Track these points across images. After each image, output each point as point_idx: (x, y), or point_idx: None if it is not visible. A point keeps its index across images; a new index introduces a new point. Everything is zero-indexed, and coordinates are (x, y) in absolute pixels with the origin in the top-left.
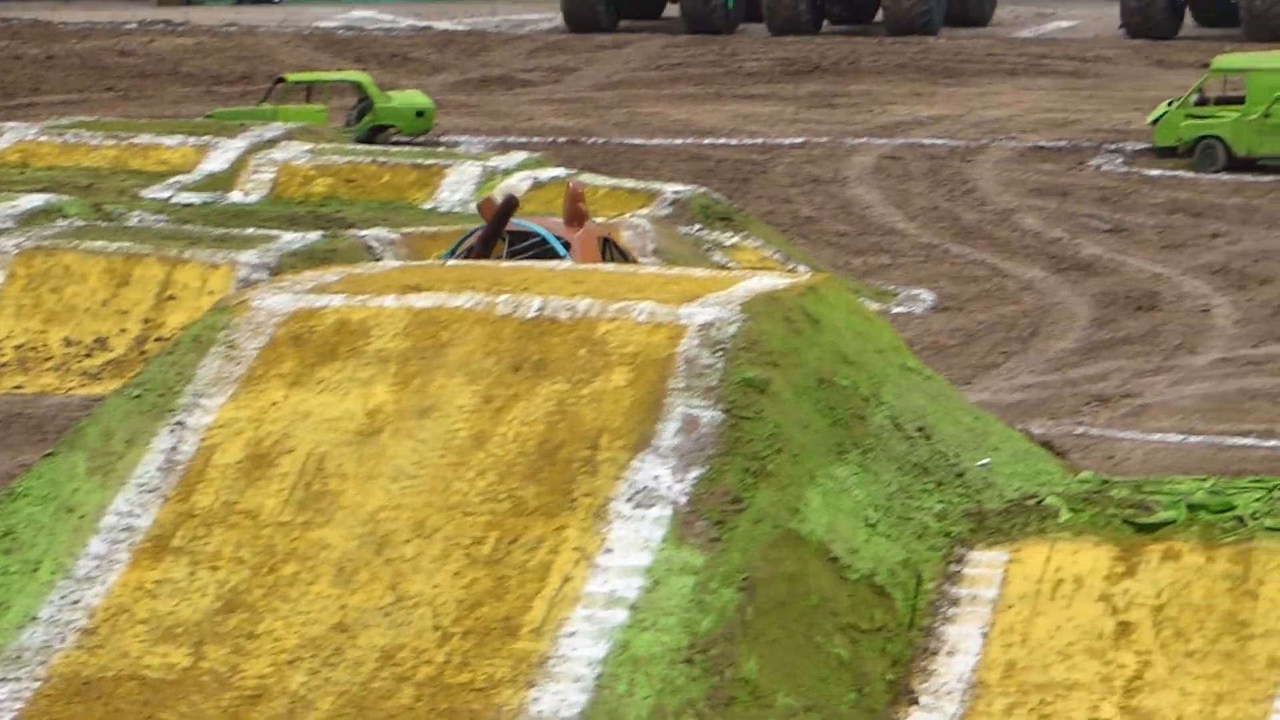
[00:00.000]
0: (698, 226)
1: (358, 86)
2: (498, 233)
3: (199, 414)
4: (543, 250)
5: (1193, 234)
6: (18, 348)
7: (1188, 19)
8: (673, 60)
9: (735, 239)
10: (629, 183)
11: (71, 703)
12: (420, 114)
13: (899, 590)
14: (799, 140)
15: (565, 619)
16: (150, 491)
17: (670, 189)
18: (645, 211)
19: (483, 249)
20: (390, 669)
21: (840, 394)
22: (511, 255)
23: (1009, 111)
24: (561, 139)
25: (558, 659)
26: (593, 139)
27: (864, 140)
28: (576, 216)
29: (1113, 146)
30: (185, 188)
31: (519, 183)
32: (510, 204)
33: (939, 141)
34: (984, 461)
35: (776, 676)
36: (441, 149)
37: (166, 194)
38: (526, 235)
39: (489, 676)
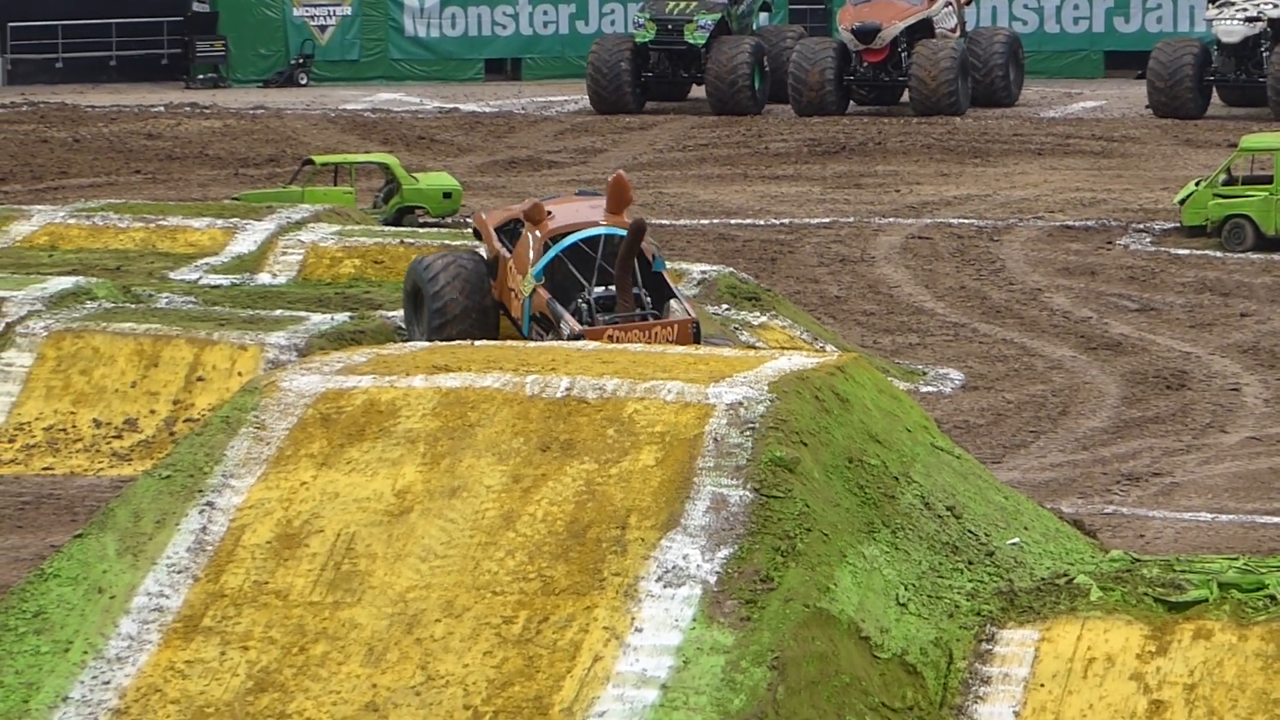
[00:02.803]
0: (725, 306)
1: (385, 168)
2: (632, 254)
3: (229, 494)
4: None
5: (1222, 313)
6: (47, 429)
7: (1214, 99)
8: (699, 141)
9: (763, 318)
10: None
11: None
12: (447, 195)
13: (930, 669)
14: (826, 220)
15: (596, 698)
16: (180, 572)
17: (697, 269)
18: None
19: (622, 271)
20: None
21: (870, 473)
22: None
23: (1036, 191)
24: None
25: None
26: None
27: (891, 220)
28: (625, 204)
29: (1141, 226)
30: (213, 269)
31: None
32: (640, 226)
33: (966, 221)
34: (1014, 540)
35: None
36: (469, 230)
37: (195, 276)
38: (594, 240)
39: None
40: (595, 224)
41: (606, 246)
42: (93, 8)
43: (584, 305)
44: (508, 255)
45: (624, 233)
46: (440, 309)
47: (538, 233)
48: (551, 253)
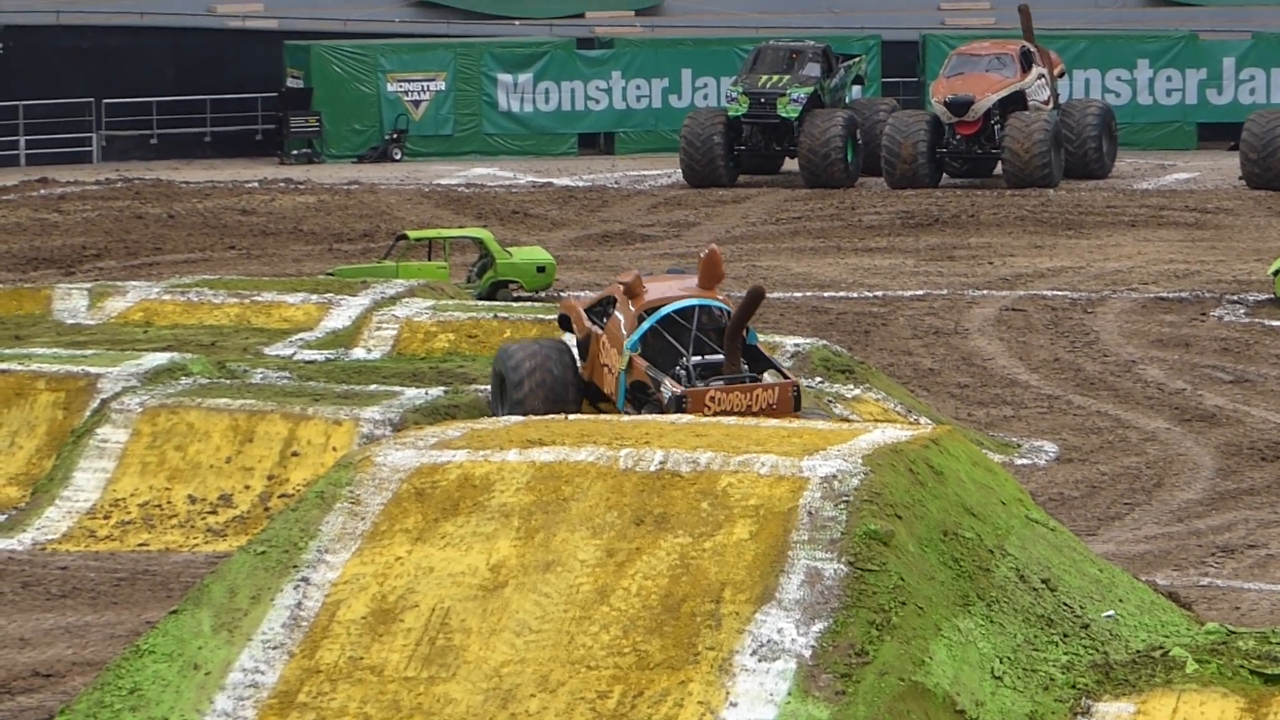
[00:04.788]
0: (819, 379)
1: (479, 243)
2: (747, 319)
3: (323, 570)
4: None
5: None
6: (143, 505)
7: None
8: (792, 214)
9: (856, 391)
10: None
11: None
12: (541, 270)
13: None
14: (919, 292)
15: None
16: (275, 648)
17: (791, 341)
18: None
19: (733, 336)
20: None
21: (964, 546)
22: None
23: (1130, 263)
24: None
25: None
26: None
27: (985, 292)
28: (717, 279)
29: (1234, 297)
30: (308, 345)
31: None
32: (759, 292)
33: (1060, 293)
34: (1109, 613)
35: None
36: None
37: (289, 351)
38: (688, 311)
39: None
40: (689, 296)
41: (700, 319)
42: (188, 84)
43: (683, 372)
44: (599, 332)
45: (718, 304)
46: (520, 400)
47: (632, 307)
48: (648, 323)
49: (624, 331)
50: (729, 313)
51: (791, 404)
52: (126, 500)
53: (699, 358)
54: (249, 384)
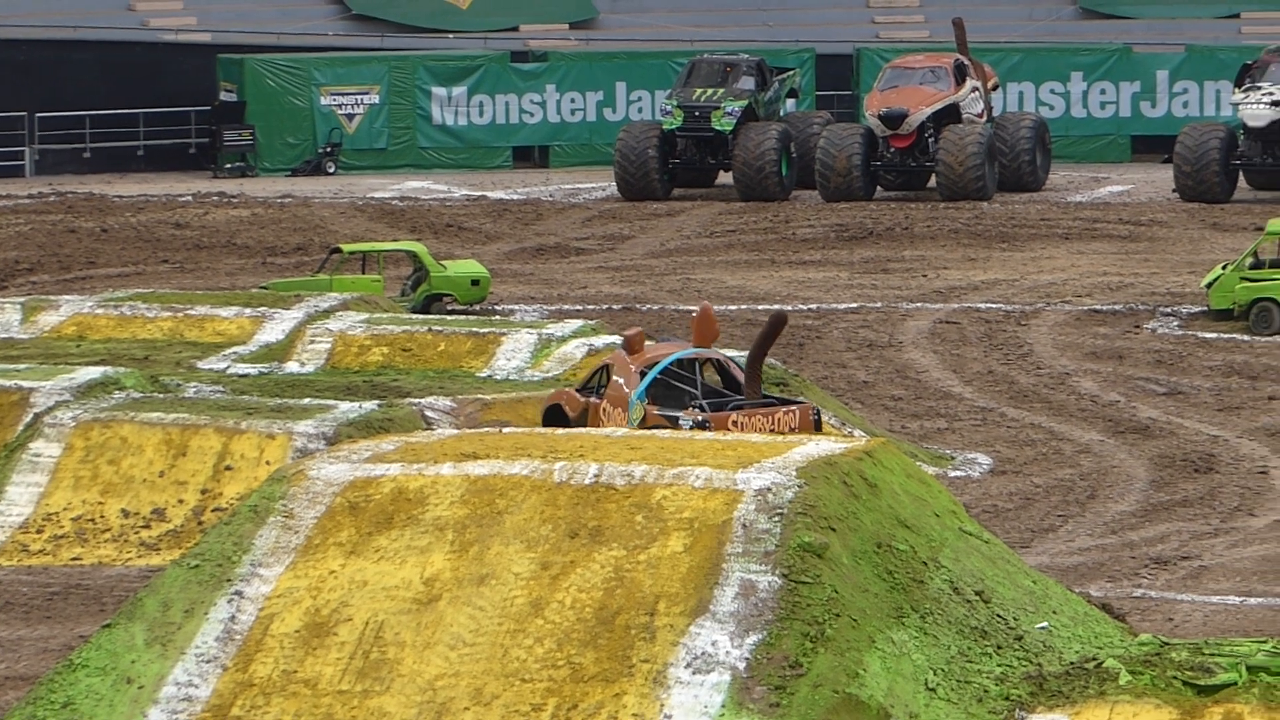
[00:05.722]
0: None
1: (413, 256)
2: (769, 345)
3: (257, 583)
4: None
5: (1249, 396)
6: (76, 519)
7: (1241, 182)
8: (726, 227)
9: None
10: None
11: None
12: (475, 283)
13: None
14: (854, 305)
15: None
16: (209, 661)
17: (724, 354)
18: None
19: (754, 362)
20: None
21: (898, 558)
22: (679, 380)
23: (1064, 276)
24: (616, 306)
25: None
26: (647, 306)
27: (919, 305)
28: (712, 337)
29: (1168, 310)
30: (241, 358)
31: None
32: (780, 320)
33: (994, 306)
34: (1043, 625)
35: None
36: (497, 318)
37: (223, 365)
38: (689, 363)
39: None
40: (688, 347)
41: (694, 370)
42: (120, 97)
43: (697, 408)
44: (597, 401)
45: (716, 354)
46: None
47: (632, 366)
48: (653, 373)
49: (627, 389)
50: (724, 364)
51: (813, 427)
52: (59, 514)
53: (705, 403)
54: (182, 398)
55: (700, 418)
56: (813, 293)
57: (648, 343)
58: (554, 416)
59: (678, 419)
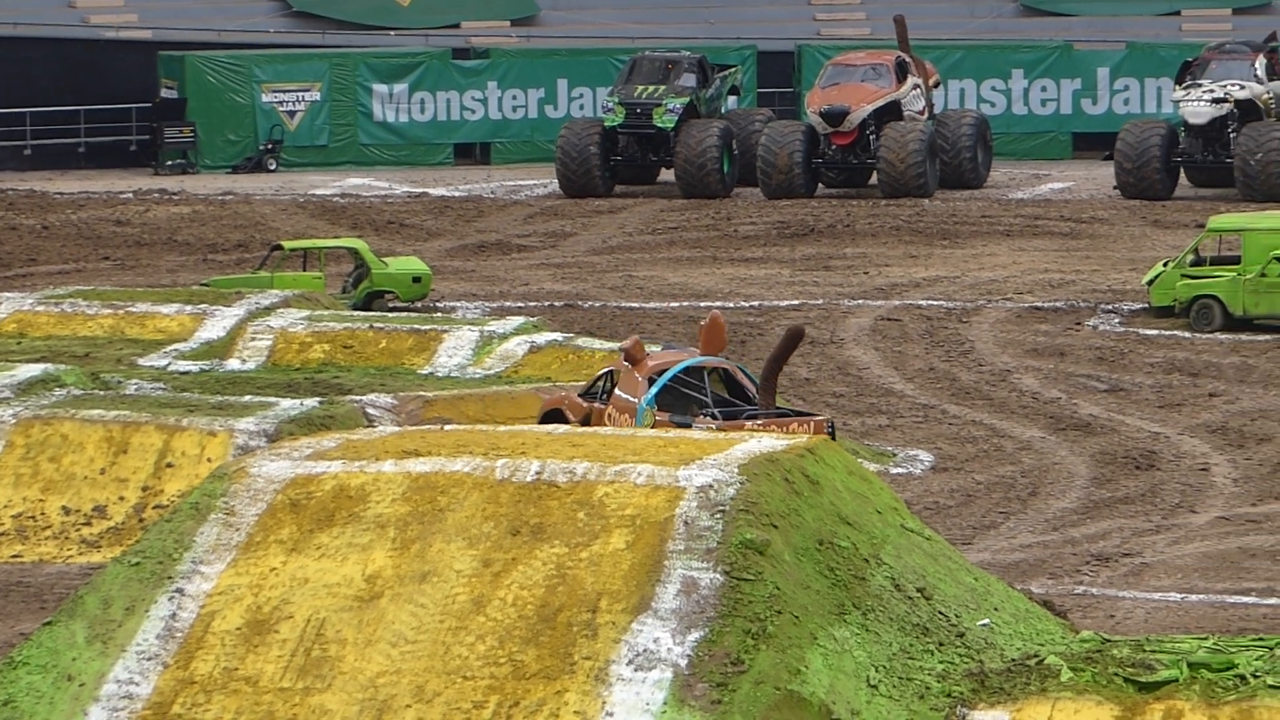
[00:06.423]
0: None
1: (354, 253)
2: (786, 357)
3: (198, 581)
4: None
5: (1190, 393)
6: (16, 516)
7: (1182, 180)
8: (668, 224)
9: None
10: None
11: None
12: (417, 280)
13: None
14: (795, 302)
15: None
16: (150, 659)
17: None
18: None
19: (770, 372)
20: None
21: (840, 555)
22: (688, 388)
23: (1005, 273)
24: (558, 303)
25: None
26: (589, 303)
27: (860, 302)
28: (720, 346)
29: (1109, 307)
30: (182, 355)
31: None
32: (797, 334)
33: (935, 303)
34: (985, 622)
35: None
36: (438, 315)
37: (164, 362)
38: (697, 371)
39: None
40: (695, 355)
41: (701, 379)
42: (61, 95)
43: (709, 416)
44: (602, 406)
45: (724, 366)
46: None
47: (637, 375)
48: (662, 380)
49: (635, 396)
50: (731, 373)
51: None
52: (0, 511)
53: (715, 410)
54: (123, 395)
55: (715, 426)
56: (754, 290)
57: (654, 349)
58: (554, 420)
59: (690, 426)
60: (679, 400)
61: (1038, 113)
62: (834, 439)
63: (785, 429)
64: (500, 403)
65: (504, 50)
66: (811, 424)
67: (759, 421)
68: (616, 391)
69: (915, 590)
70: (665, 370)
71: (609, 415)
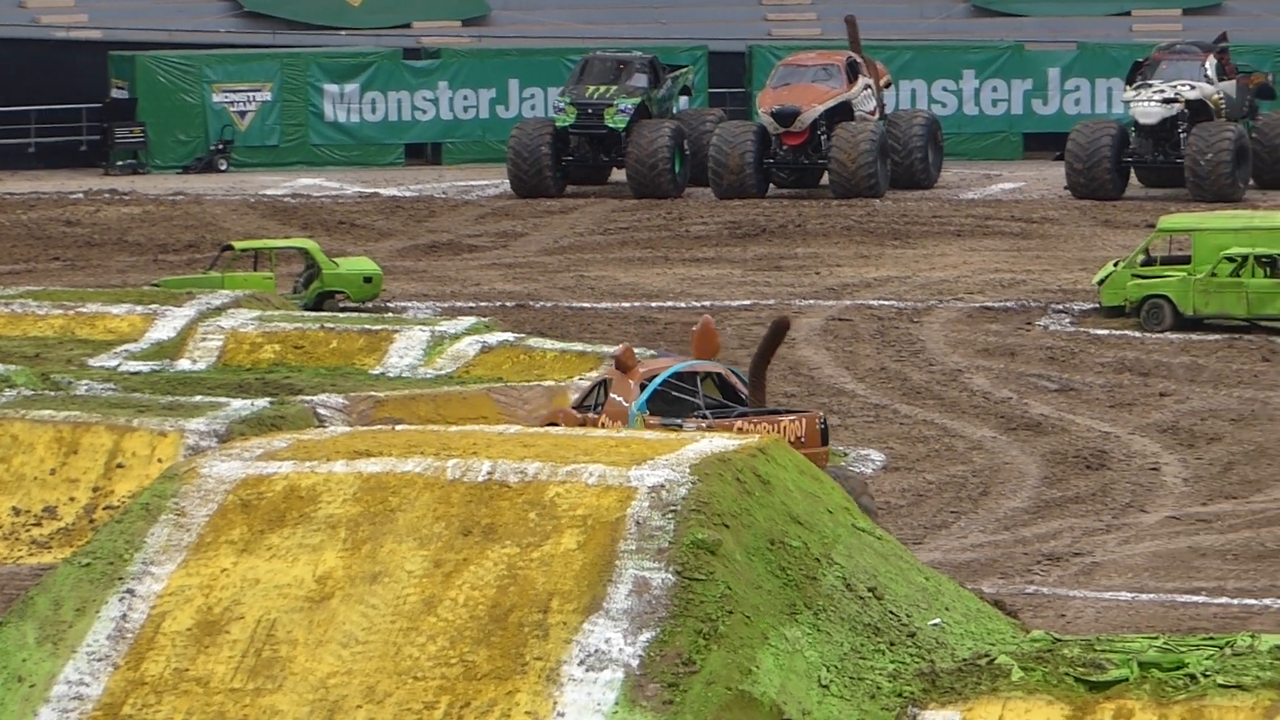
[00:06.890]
0: None
1: (305, 253)
2: (772, 351)
3: (149, 581)
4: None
5: (1141, 393)
6: None
7: (1132, 180)
8: (620, 224)
9: None
10: (577, 346)
11: None
12: (368, 280)
13: None
14: (747, 303)
15: None
16: (100, 660)
17: (610, 351)
18: (593, 374)
19: (758, 368)
20: None
21: (791, 554)
22: (682, 392)
23: (956, 273)
24: (509, 303)
25: None
26: (541, 303)
27: (811, 302)
28: (712, 350)
29: (1060, 307)
30: (133, 356)
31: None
32: (783, 325)
33: (886, 303)
34: (936, 621)
35: None
36: (389, 315)
37: (114, 363)
38: (690, 375)
39: None
40: (686, 359)
41: (693, 383)
42: (11, 94)
43: (700, 417)
44: (596, 416)
45: (716, 366)
46: None
47: (630, 381)
48: (653, 385)
49: (626, 402)
50: (724, 376)
51: (819, 437)
52: None
53: (708, 414)
54: (73, 395)
55: (705, 425)
56: (706, 290)
57: (648, 353)
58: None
59: (681, 428)
60: (672, 405)
61: (989, 113)
62: (827, 435)
63: (777, 427)
64: (452, 403)
65: (455, 50)
66: (804, 421)
67: (750, 419)
68: (610, 398)
69: (866, 590)
70: (655, 376)
71: (602, 424)
